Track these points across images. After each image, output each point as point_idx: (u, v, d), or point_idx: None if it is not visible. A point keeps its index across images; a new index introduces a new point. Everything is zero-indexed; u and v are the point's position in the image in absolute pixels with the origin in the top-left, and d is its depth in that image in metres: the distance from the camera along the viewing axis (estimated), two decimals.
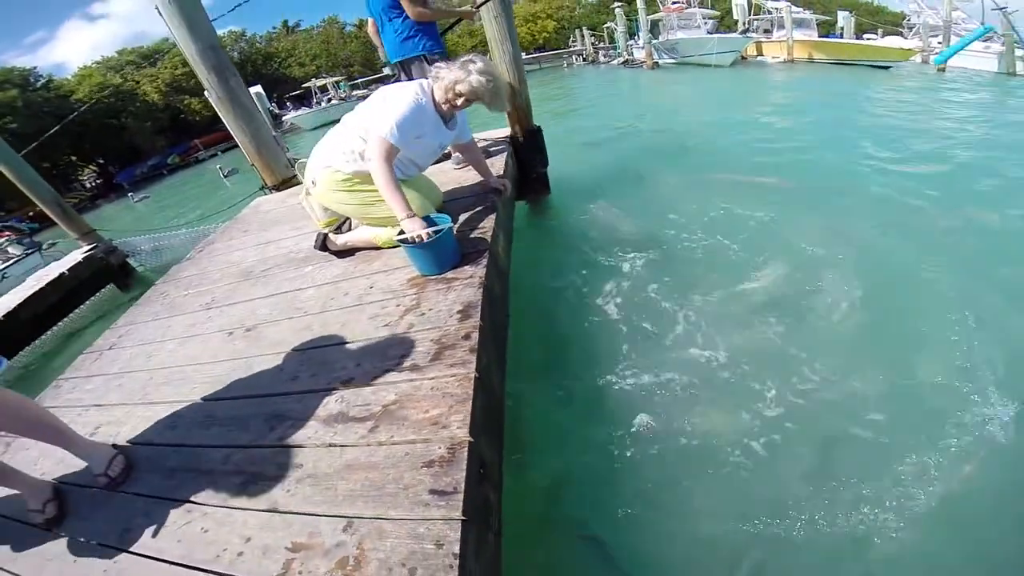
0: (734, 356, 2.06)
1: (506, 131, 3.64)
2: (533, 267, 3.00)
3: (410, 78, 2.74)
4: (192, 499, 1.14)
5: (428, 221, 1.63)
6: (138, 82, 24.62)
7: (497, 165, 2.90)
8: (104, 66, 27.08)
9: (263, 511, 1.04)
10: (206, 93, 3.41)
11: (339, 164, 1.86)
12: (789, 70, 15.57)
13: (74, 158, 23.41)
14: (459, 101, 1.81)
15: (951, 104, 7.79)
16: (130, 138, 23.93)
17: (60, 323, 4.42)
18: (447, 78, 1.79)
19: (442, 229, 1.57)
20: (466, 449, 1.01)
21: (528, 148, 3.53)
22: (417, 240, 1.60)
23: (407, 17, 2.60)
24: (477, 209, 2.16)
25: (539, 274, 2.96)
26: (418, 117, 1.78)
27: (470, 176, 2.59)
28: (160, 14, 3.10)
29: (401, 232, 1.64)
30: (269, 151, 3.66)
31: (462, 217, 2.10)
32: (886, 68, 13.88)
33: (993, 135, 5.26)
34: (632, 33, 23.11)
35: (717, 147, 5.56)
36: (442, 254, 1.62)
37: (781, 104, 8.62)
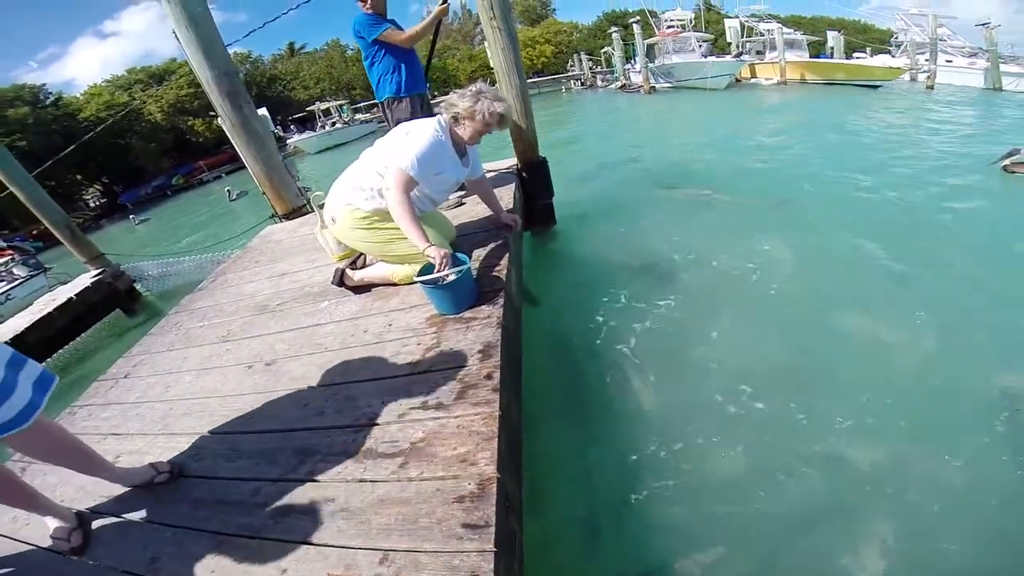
0: (751, 385, 2.07)
1: (511, 161, 3.74)
2: (542, 299, 3.06)
3: (389, 118, 2.84)
4: (223, 531, 1.16)
5: (453, 260, 1.69)
6: (144, 102, 25.03)
7: (505, 197, 2.99)
8: (113, 85, 27.54)
9: (298, 542, 1.07)
10: (219, 120, 3.48)
11: (359, 202, 1.92)
12: (783, 92, 15.91)
13: (79, 177, 23.62)
14: (488, 131, 1.90)
15: (950, 123, 7.93)
16: (135, 158, 24.21)
17: (66, 347, 4.44)
18: (468, 110, 1.85)
19: (463, 268, 1.64)
20: (495, 485, 1.06)
21: (534, 179, 3.63)
22: (443, 267, 1.65)
23: (383, 58, 2.70)
24: (490, 245, 2.24)
25: (548, 306, 3.02)
26: (438, 152, 1.85)
27: (480, 210, 2.67)
28: (177, 39, 3.18)
29: (422, 272, 1.71)
30: (280, 179, 3.73)
31: (476, 253, 2.17)
32: (876, 87, 14.20)
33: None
34: (629, 57, 23.67)
35: (717, 171, 5.68)
36: (461, 293, 1.68)
37: (778, 128, 8.81)
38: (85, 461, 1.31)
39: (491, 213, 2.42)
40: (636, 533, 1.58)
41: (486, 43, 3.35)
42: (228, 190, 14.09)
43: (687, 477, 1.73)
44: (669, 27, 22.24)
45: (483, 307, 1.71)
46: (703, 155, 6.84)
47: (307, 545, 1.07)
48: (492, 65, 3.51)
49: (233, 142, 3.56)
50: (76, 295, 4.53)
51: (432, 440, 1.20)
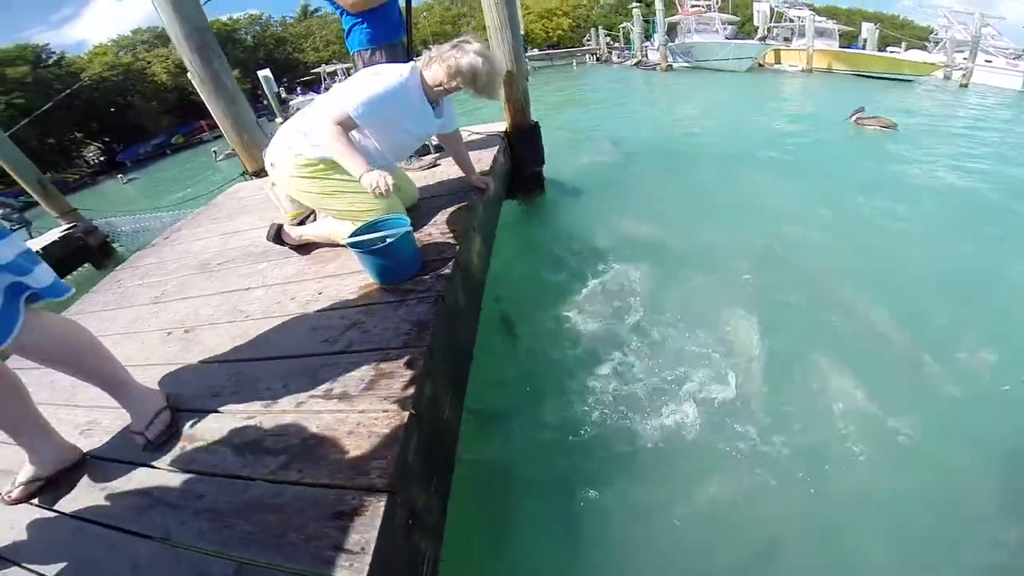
0: (741, 386, 1.87)
1: (501, 125, 3.45)
2: (515, 274, 2.80)
3: None
4: (89, 517, 1.01)
5: (384, 226, 1.45)
6: (149, 62, 24.48)
7: (484, 160, 2.71)
8: (118, 45, 26.98)
9: (156, 540, 0.92)
10: (188, 74, 3.26)
11: (302, 148, 1.68)
12: (806, 79, 15.24)
13: (79, 135, 23.29)
14: (452, 83, 1.67)
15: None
16: (135, 116, 23.77)
17: None
18: (441, 59, 1.65)
19: (400, 231, 1.38)
20: (383, 503, 0.83)
21: (523, 144, 3.34)
22: (382, 194, 1.48)
23: (344, 12, 2.41)
24: (452, 209, 1.98)
25: (520, 283, 2.76)
26: (395, 98, 1.63)
27: (453, 172, 2.40)
28: None
29: (356, 234, 1.46)
30: (251, 136, 3.48)
31: (435, 218, 1.91)
32: (908, 81, 13.54)
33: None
34: (648, 35, 22.77)
35: (725, 150, 5.37)
36: (397, 260, 1.44)
37: (794, 112, 8.37)
38: (106, 368, 1.17)
39: (464, 175, 2.17)
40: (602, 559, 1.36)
41: None
42: (215, 151, 13.62)
43: (677, 494, 1.50)
44: (693, 6, 21.25)
45: (426, 277, 1.45)
46: (712, 132, 6.51)
47: (164, 544, 0.91)
48: (486, 23, 3.20)
49: (203, 97, 3.32)
50: (42, 249, 4.34)
51: (324, 438, 0.98)
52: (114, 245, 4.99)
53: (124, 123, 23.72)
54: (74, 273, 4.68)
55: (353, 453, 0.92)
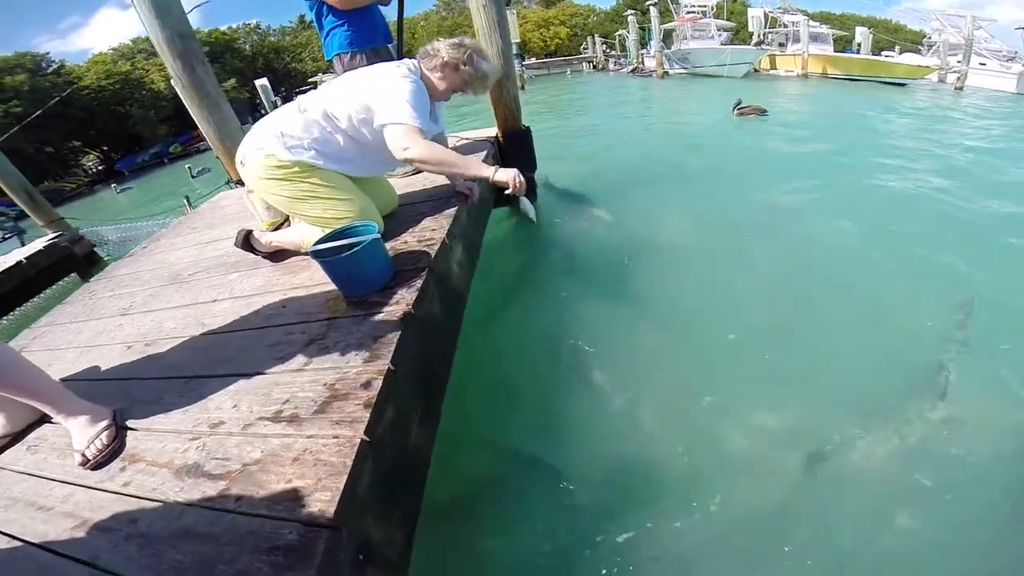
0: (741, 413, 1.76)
1: (491, 131, 3.41)
2: (504, 285, 2.73)
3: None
4: (21, 536, 0.96)
5: (352, 233, 1.39)
6: (147, 71, 24.53)
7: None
8: (117, 53, 27.04)
9: (84, 563, 0.87)
10: (172, 81, 3.22)
11: (275, 149, 1.59)
12: (803, 84, 15.26)
13: (77, 143, 23.28)
14: (467, 89, 1.70)
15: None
16: (133, 126, 23.77)
17: (17, 311, 4.21)
18: (453, 59, 1.64)
19: (365, 239, 1.32)
20: (323, 539, 0.76)
21: (514, 149, 3.29)
22: (517, 192, 1.54)
23: (329, 12, 2.34)
24: (433, 216, 1.91)
25: (510, 295, 2.69)
26: (424, 98, 1.61)
27: (436, 179, 2.34)
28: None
29: (321, 242, 1.40)
30: (234, 144, 3.36)
31: (413, 226, 1.85)
32: (902, 85, 13.59)
33: None
34: (644, 42, 22.88)
35: (722, 157, 5.32)
36: (364, 271, 1.37)
37: (791, 118, 8.34)
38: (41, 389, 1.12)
39: (448, 182, 2.12)
40: None
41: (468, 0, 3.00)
42: (188, 167, 13.07)
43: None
44: (688, 13, 21.36)
45: (399, 289, 1.38)
46: (709, 138, 6.47)
47: (92, 568, 0.85)
48: (475, 26, 3.17)
49: (186, 105, 3.27)
50: (26, 259, 4.28)
51: (268, 465, 0.91)
52: (102, 254, 4.93)
53: (122, 132, 23.73)
54: (60, 283, 4.61)
55: (296, 483, 0.85)
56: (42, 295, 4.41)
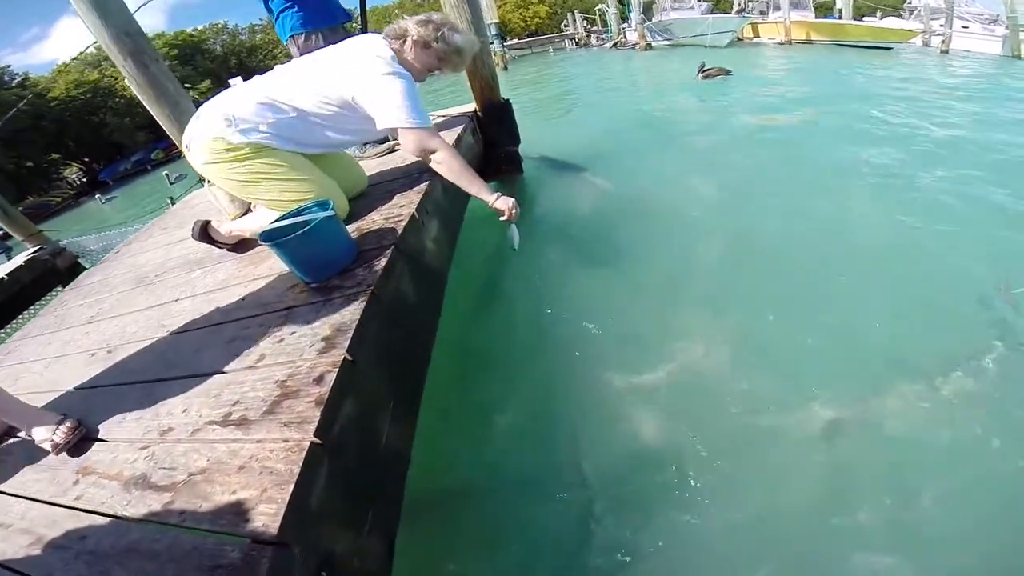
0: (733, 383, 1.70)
1: (469, 107, 3.30)
2: (486, 266, 2.65)
3: None
4: None
5: (307, 213, 1.31)
6: (116, 78, 23.95)
7: (449, 140, 2.55)
8: (82, 62, 26.31)
9: None
10: (126, 80, 3.10)
11: (224, 132, 1.49)
12: (787, 51, 15.00)
13: (56, 156, 22.81)
14: (443, 67, 1.67)
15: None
16: (110, 134, 23.28)
17: (7, 328, 4.11)
18: (423, 37, 1.58)
19: (316, 218, 1.23)
20: (267, 559, 0.70)
21: (495, 124, 3.20)
22: (511, 220, 1.61)
23: None
24: (403, 193, 1.82)
25: (495, 277, 2.59)
26: (415, 88, 1.57)
27: (409, 157, 2.24)
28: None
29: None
30: None
31: (382, 205, 1.75)
32: (887, 49, 13.42)
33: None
34: (625, 16, 22.45)
35: (711, 129, 5.19)
36: (321, 253, 1.28)
37: (779, 84, 8.19)
38: None
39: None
40: None
41: None
42: (166, 174, 13.03)
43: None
44: None
45: (360, 271, 1.30)
46: (695, 110, 6.31)
47: None
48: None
49: (145, 104, 3.16)
50: (8, 275, 4.17)
51: (213, 474, 0.84)
52: (86, 265, 4.82)
53: (99, 141, 23.22)
54: (45, 298, 4.50)
55: (241, 494, 0.78)
56: (30, 310, 4.31)
